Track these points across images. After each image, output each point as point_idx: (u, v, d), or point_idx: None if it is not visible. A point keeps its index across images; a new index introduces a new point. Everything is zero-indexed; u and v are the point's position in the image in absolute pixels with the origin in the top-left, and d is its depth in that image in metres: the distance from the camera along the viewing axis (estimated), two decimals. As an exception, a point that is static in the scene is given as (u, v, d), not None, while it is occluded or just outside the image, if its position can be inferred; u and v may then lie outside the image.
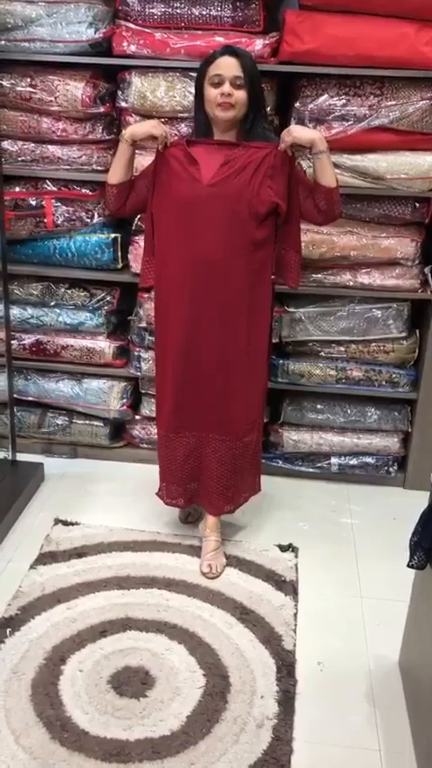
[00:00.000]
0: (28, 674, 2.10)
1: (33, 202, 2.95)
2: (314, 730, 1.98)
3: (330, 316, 2.97)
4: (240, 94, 2.27)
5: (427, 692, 1.87)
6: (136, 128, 2.39)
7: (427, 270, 2.92)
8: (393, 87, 2.64)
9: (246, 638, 2.27)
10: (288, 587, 2.50)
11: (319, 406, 3.12)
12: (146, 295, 2.97)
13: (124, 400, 3.19)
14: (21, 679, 2.08)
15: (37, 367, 3.23)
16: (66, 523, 2.79)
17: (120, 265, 3.02)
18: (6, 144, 2.88)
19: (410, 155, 2.71)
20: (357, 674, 2.17)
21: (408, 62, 2.57)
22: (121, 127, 2.80)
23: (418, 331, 3.03)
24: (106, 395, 3.19)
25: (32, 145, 2.88)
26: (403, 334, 2.98)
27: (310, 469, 3.18)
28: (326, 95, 2.66)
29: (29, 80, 2.78)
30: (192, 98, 2.49)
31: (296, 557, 2.67)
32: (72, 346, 3.15)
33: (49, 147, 2.88)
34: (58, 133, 2.83)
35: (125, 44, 2.69)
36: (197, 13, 2.64)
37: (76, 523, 2.80)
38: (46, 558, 2.59)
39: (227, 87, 2.25)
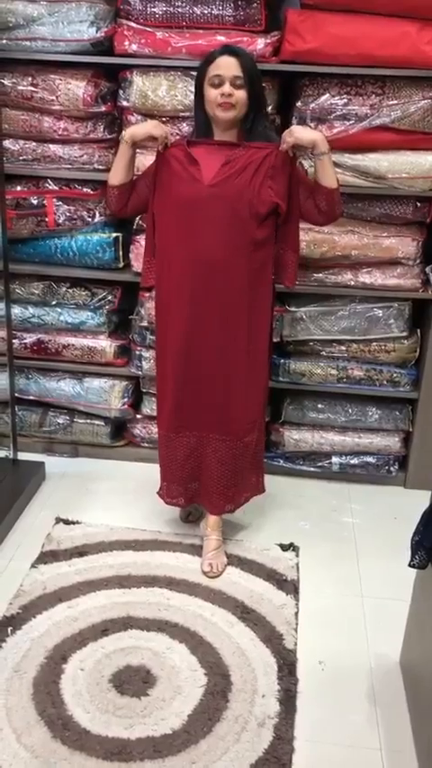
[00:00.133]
0: (29, 673, 2.10)
1: (35, 201, 2.95)
2: (315, 729, 1.98)
3: (331, 315, 2.97)
4: (241, 94, 2.26)
5: (427, 691, 1.87)
6: (136, 129, 2.39)
7: (428, 269, 2.92)
8: (395, 87, 2.64)
9: (247, 637, 2.27)
10: (289, 586, 2.50)
11: (320, 406, 3.12)
12: (147, 294, 2.97)
13: (125, 399, 3.19)
14: (22, 678, 2.08)
15: (38, 366, 3.23)
16: (67, 522, 2.80)
17: (121, 264, 3.02)
18: (8, 143, 2.88)
19: (412, 154, 2.71)
20: (358, 673, 2.18)
21: (409, 61, 2.57)
22: (123, 126, 2.81)
23: (419, 330, 3.03)
24: (107, 394, 3.19)
25: (34, 144, 2.88)
26: (404, 334, 2.98)
27: (311, 469, 3.18)
28: (327, 94, 2.66)
29: (30, 79, 2.78)
30: (193, 97, 2.49)
31: (297, 556, 2.67)
32: (73, 345, 3.15)
33: (51, 146, 2.88)
34: (60, 132, 2.83)
35: (126, 43, 2.69)
36: (198, 12, 2.64)
37: (78, 522, 2.80)
38: (47, 556, 2.59)
39: (227, 88, 2.25)
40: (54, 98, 2.76)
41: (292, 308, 2.96)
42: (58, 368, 3.22)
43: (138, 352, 3.12)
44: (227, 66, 2.25)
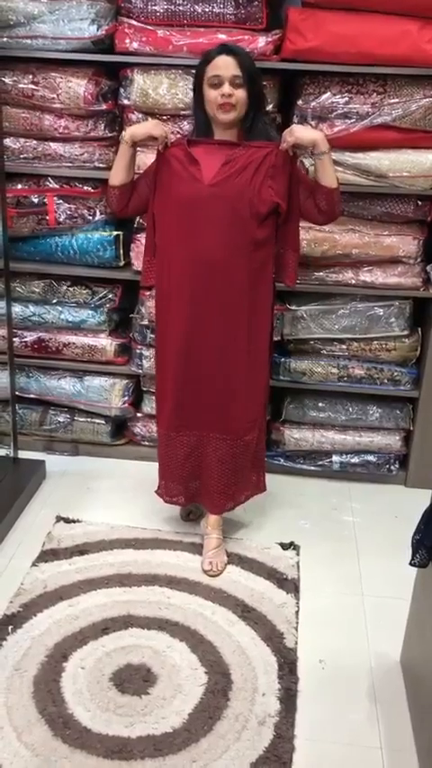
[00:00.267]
0: (30, 671, 2.10)
1: (35, 200, 2.95)
2: (315, 728, 1.98)
3: (332, 314, 2.97)
4: (240, 94, 2.26)
5: (428, 689, 1.87)
6: (136, 128, 2.38)
7: (429, 268, 2.92)
8: (396, 85, 2.64)
9: (247, 635, 2.27)
10: (289, 585, 2.50)
11: (320, 404, 3.12)
12: (147, 292, 2.97)
13: (126, 398, 3.19)
14: (23, 676, 2.08)
15: (39, 364, 3.23)
16: (67, 521, 2.80)
17: (122, 263, 3.02)
18: (8, 141, 2.87)
19: (413, 153, 2.71)
20: (359, 672, 2.18)
21: (410, 60, 2.57)
22: (124, 124, 2.80)
23: (420, 329, 3.02)
24: (108, 392, 3.19)
25: (34, 142, 2.88)
26: (405, 333, 2.98)
27: (312, 467, 3.18)
28: (328, 93, 2.66)
29: (31, 77, 2.78)
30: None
31: (297, 555, 2.67)
32: (74, 344, 3.15)
33: (51, 144, 2.87)
34: (60, 130, 2.83)
35: (127, 41, 2.68)
36: (199, 11, 2.63)
37: (78, 521, 2.80)
38: (48, 555, 2.59)
39: (227, 88, 2.24)
40: (55, 96, 2.76)
41: (293, 307, 2.96)
42: (58, 366, 3.22)
43: (138, 351, 3.12)
44: (225, 65, 2.25)
